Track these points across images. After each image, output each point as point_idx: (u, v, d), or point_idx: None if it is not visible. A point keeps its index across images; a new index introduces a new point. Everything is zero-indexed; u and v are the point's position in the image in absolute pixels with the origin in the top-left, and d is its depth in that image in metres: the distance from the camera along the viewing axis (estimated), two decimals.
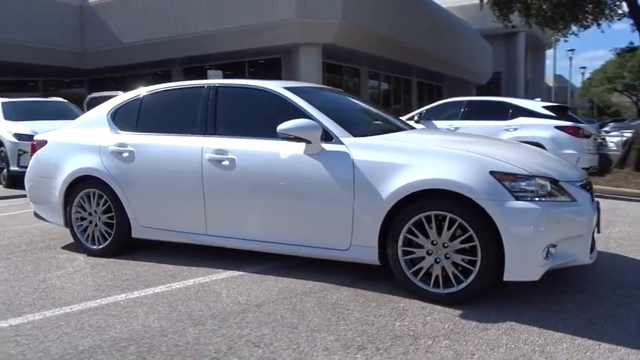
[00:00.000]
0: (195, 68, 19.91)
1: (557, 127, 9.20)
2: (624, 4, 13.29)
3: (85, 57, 20.23)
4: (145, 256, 4.42)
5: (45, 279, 3.92)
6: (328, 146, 3.58)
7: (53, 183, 4.62)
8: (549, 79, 53.95)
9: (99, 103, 14.46)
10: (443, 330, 2.94)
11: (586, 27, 15.50)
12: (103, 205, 4.43)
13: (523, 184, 3.14)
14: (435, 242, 3.26)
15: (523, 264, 3.09)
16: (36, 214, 5.00)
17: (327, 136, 3.61)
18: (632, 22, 13.80)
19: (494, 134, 8.22)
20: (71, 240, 5.04)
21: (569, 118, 9.75)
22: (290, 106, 3.84)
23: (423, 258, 3.31)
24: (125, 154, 4.30)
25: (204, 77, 20.11)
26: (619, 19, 14.47)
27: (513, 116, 9.62)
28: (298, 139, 3.55)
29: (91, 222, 4.52)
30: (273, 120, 3.83)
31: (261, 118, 4.08)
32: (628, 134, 18.70)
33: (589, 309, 3.26)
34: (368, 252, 3.47)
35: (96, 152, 4.43)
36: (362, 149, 3.50)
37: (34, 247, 4.88)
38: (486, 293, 3.36)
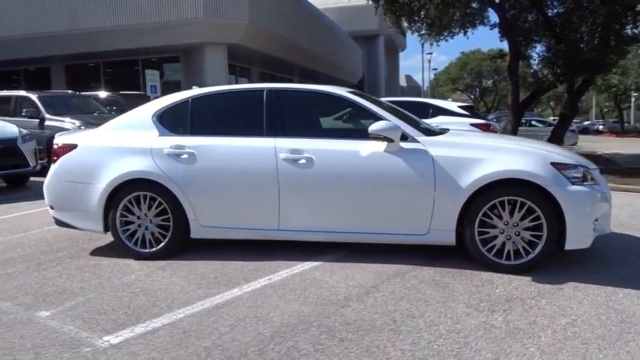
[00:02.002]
0: (79, 66, 18.67)
1: (472, 124, 10.50)
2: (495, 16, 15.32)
3: None
4: (197, 256, 4.51)
5: (124, 284, 3.89)
6: (406, 145, 4.09)
7: (90, 188, 4.50)
8: (402, 79, 58.66)
9: None
10: (533, 292, 3.63)
11: (454, 34, 17.47)
12: (157, 207, 4.43)
13: (573, 172, 3.95)
14: (506, 222, 3.94)
15: (580, 235, 3.90)
16: (59, 222, 4.78)
17: (402, 136, 4.11)
18: (499, 32, 15.95)
19: None
20: (92, 246, 4.98)
21: (477, 116, 11.17)
22: (360, 109, 4.27)
23: (495, 237, 3.98)
24: (184, 156, 4.37)
25: (89, 75, 18.96)
26: (491, 29, 16.54)
27: (434, 115, 10.75)
28: (385, 139, 4.01)
29: (140, 226, 4.49)
30: (344, 122, 4.24)
31: (331, 120, 4.43)
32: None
33: (610, 269, 4.17)
34: (446, 235, 4.05)
35: (147, 155, 4.42)
36: (437, 147, 4.07)
37: (56, 257, 4.68)
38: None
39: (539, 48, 16.80)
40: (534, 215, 3.90)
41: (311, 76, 29.46)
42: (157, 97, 12.59)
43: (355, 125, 4.19)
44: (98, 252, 4.81)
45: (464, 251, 4.16)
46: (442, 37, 17.52)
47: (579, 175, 3.96)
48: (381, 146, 4.08)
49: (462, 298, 3.49)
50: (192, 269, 4.19)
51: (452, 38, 17.64)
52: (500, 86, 54.50)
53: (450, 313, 3.26)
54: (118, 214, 4.48)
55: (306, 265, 4.19)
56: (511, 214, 3.93)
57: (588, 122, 53.83)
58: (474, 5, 15.13)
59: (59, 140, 4.75)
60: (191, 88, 4.96)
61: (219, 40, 15.98)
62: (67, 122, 10.70)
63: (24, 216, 6.80)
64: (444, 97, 57.84)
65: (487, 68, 53.27)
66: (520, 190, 3.90)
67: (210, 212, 4.38)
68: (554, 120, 33.07)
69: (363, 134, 4.20)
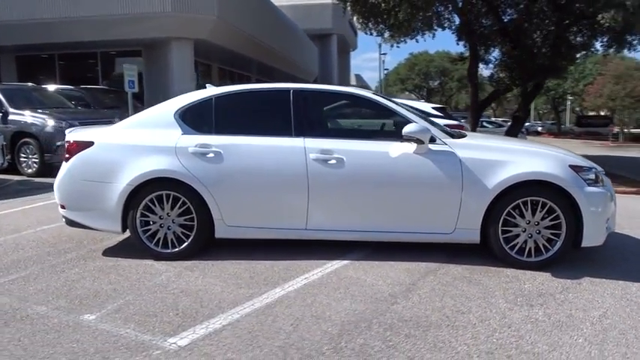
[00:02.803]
0: (31, 57, 17.83)
1: (446, 125, 10.83)
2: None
3: None
4: (220, 256, 4.49)
5: (159, 285, 3.83)
6: (434, 147, 4.23)
7: (108, 187, 4.38)
8: (352, 79, 59.32)
9: None
10: (558, 288, 3.86)
11: (415, 36, 17.91)
12: (180, 207, 4.38)
13: (587, 174, 4.22)
14: (528, 221, 4.16)
15: (595, 233, 4.17)
16: (70, 222, 4.61)
17: (430, 138, 4.25)
18: (457, 36, 16.50)
19: None
20: (100, 246, 4.91)
21: (449, 117, 11.53)
22: (387, 111, 4.39)
23: (518, 235, 4.19)
24: (210, 155, 4.33)
25: (41, 67, 18.09)
26: (453, 33, 17.06)
27: None
28: (417, 141, 4.13)
29: (161, 225, 4.41)
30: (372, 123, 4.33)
31: (359, 122, 4.51)
32: None
33: (614, 265, 4.48)
34: (471, 233, 4.23)
35: (170, 154, 4.35)
36: (464, 149, 4.24)
37: (67, 258, 4.52)
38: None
39: (497, 52, 17.45)
40: (554, 215, 4.13)
41: (268, 73, 29.31)
42: (135, 93, 12.28)
43: (374, 126, 4.30)
44: (110, 252, 4.69)
45: (481, 249, 4.35)
46: (403, 39, 17.90)
47: (593, 176, 4.23)
48: (410, 148, 4.21)
49: (498, 294, 3.67)
50: (222, 269, 4.17)
51: (416, 41, 18.02)
52: (446, 87, 56.30)
53: (494, 308, 3.42)
54: (138, 213, 4.39)
55: (336, 264, 4.26)
56: (532, 213, 4.15)
57: (528, 124, 56.17)
58: (439, 10, 15.56)
59: (72, 137, 4.59)
60: (204, 87, 4.90)
61: (186, 35, 15.63)
62: (32, 116, 10.24)
63: (5, 216, 6.50)
64: (394, 96, 59.01)
65: (434, 70, 54.88)
66: (541, 190, 4.12)
67: (236, 212, 4.37)
68: (495, 120, 34.61)
69: (389, 135, 4.31)
